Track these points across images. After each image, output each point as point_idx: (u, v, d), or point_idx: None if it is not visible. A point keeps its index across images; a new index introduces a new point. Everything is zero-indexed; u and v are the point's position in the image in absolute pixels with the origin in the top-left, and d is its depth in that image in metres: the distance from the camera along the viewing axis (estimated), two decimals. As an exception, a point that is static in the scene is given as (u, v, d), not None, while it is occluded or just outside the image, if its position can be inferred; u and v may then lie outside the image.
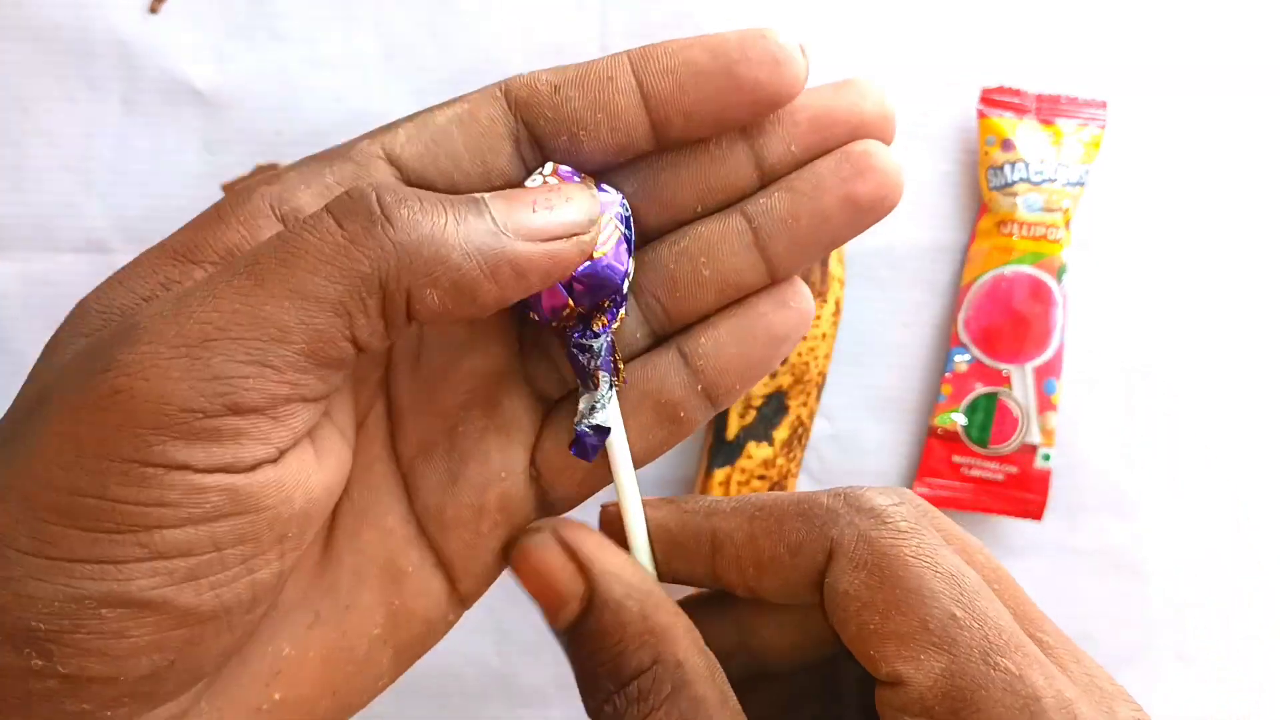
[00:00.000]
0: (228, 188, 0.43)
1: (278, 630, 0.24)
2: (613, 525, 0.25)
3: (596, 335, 0.24)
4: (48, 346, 0.22)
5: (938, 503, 0.44)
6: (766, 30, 0.23)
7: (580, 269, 0.23)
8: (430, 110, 0.24)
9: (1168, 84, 0.45)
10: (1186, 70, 0.45)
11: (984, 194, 0.44)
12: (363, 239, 0.20)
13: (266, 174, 0.25)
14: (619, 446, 0.25)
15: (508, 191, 0.22)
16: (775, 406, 0.42)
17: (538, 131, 0.23)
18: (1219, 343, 0.45)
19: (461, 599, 0.26)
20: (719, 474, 0.42)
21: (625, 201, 0.24)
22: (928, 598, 0.21)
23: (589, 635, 0.23)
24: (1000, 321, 0.44)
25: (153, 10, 0.42)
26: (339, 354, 0.20)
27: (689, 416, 0.26)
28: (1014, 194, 0.43)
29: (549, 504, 0.26)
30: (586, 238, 0.22)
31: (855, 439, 0.45)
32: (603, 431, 0.24)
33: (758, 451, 0.42)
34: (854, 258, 0.44)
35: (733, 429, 0.42)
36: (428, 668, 0.28)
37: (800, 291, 0.25)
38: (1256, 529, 0.45)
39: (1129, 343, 0.45)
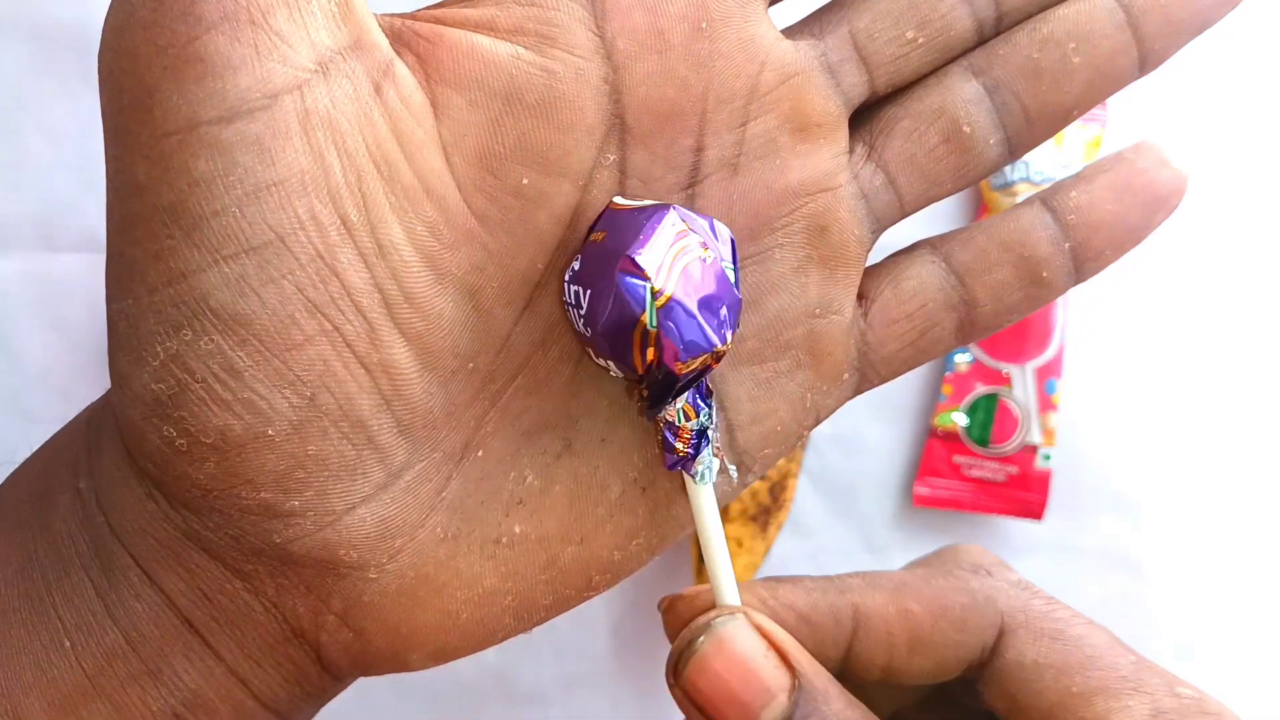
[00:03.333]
0: None
1: (520, 453, 0.22)
2: (683, 616, 0.23)
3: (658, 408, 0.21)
4: None
5: (938, 503, 0.44)
6: None
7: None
8: None
9: (1168, 84, 0.45)
10: (1186, 70, 0.45)
11: (984, 194, 0.44)
12: None
13: None
14: (708, 503, 0.22)
15: None
16: (776, 406, 0.42)
17: None
18: (1219, 342, 0.45)
19: (739, 456, 0.23)
20: (719, 473, 0.42)
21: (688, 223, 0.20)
22: (1106, 651, 0.22)
23: None
24: (1001, 321, 0.44)
25: (153, 9, 0.42)
26: None
27: (1051, 279, 0.23)
28: (1015, 194, 0.43)
29: (866, 365, 0.24)
30: None
31: (855, 439, 0.45)
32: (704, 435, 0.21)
33: (758, 451, 0.42)
34: (855, 257, 0.44)
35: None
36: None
37: (1176, 153, 0.24)
38: (1256, 529, 0.45)
39: (1129, 343, 0.45)
